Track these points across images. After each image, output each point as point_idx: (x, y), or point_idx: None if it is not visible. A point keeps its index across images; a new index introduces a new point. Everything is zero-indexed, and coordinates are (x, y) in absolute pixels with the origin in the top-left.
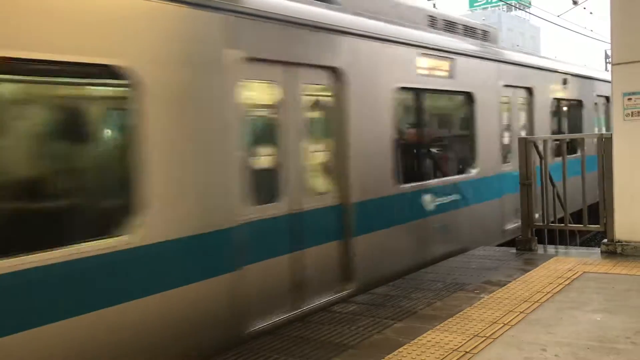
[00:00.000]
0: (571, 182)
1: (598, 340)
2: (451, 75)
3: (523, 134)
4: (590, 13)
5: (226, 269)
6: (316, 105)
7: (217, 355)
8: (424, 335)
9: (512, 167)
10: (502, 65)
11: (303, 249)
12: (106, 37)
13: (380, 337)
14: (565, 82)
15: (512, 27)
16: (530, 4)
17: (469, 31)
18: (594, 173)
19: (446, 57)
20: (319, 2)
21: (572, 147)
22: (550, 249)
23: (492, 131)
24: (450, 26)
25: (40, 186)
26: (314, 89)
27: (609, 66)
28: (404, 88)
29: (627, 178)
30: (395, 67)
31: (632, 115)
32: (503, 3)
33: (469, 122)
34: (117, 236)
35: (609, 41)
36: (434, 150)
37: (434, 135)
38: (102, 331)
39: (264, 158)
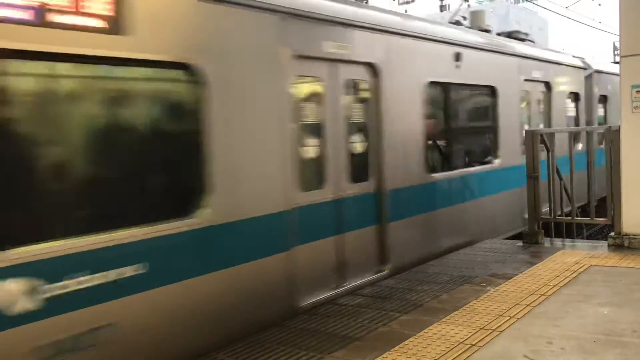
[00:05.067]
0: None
1: (604, 334)
2: None
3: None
4: (599, 5)
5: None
6: None
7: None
8: (430, 327)
9: (330, 195)
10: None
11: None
12: None
13: (386, 330)
14: (457, 57)
15: (520, 20)
16: None
17: None
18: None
19: None
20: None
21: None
22: (557, 242)
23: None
24: None
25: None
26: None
27: (617, 58)
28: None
29: (635, 171)
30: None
31: None
32: None
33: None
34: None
35: (618, 33)
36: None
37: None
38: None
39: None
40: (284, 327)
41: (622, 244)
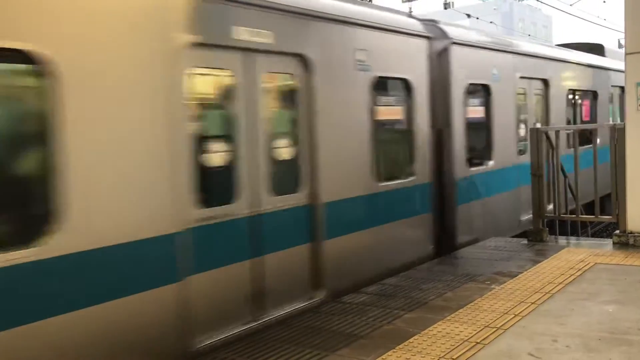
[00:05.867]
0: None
1: (609, 332)
2: None
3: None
4: (604, 2)
5: None
6: None
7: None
8: (435, 325)
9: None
10: None
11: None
12: None
13: (391, 328)
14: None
15: (523, 17)
16: None
17: None
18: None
19: None
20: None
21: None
22: (562, 240)
23: None
24: None
25: None
26: None
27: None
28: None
29: None
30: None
31: None
32: None
33: None
34: None
35: (623, 30)
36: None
37: None
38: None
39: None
40: (288, 325)
41: (627, 242)
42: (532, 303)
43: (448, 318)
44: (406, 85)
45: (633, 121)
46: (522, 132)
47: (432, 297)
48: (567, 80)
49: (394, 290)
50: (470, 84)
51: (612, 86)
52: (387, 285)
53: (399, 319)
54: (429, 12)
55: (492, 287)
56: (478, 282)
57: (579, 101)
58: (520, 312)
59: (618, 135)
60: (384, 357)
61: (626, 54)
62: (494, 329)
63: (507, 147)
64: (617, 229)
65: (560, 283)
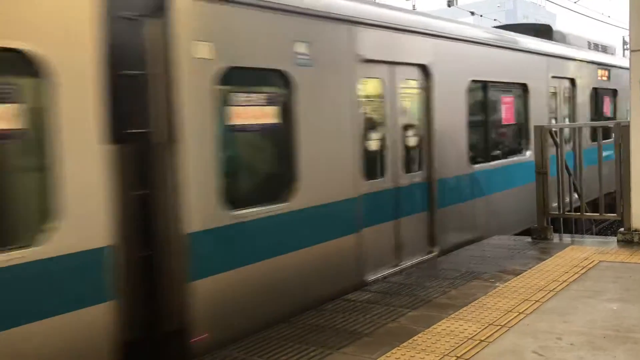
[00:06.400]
0: None
1: (614, 330)
2: None
3: None
4: None
5: None
6: None
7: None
8: (439, 323)
9: None
10: None
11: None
12: None
13: (395, 325)
14: None
15: (527, 14)
16: None
17: None
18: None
19: None
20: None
21: None
22: (566, 237)
23: None
24: None
25: None
26: None
27: (627, 53)
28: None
29: None
30: None
31: None
32: None
33: None
34: None
35: (628, 27)
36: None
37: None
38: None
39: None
40: (293, 324)
41: (632, 240)
42: (536, 301)
43: (452, 316)
44: (24, 64)
45: (637, 118)
46: (374, 145)
47: (436, 294)
48: (469, 67)
49: (398, 288)
50: (235, 69)
51: (553, 77)
52: (391, 283)
53: (403, 316)
54: (433, 10)
55: (496, 285)
56: (482, 280)
57: (493, 97)
58: (525, 310)
59: (623, 132)
60: (388, 354)
61: (631, 50)
62: (498, 327)
63: (333, 172)
64: (622, 227)
65: (564, 281)
